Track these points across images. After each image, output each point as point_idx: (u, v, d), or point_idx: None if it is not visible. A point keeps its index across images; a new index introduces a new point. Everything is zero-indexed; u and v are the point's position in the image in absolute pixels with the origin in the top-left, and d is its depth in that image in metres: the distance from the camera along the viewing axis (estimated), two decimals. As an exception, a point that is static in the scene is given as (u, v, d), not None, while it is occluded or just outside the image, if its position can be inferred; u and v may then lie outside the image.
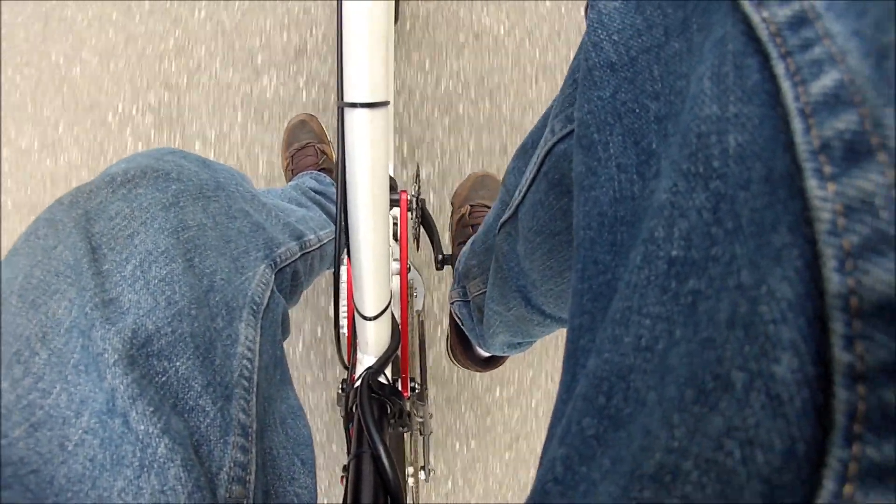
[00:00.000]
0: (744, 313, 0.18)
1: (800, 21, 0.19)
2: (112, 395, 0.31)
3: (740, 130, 0.20)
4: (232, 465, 0.35)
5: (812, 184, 0.17)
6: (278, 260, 0.51)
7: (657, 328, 0.22)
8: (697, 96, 0.22)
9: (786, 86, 0.18)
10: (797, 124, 0.18)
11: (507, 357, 0.91)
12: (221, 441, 0.35)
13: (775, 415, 0.17)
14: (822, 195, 0.16)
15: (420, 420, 0.73)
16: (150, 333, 0.34)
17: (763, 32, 0.20)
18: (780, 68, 0.19)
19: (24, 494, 0.29)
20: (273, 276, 0.48)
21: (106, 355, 0.31)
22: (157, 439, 0.31)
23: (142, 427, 0.31)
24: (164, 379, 0.34)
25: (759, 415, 0.17)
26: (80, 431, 0.30)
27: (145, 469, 0.30)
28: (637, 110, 0.28)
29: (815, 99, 0.17)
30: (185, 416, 0.34)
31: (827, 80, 0.17)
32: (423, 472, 0.78)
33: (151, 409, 0.31)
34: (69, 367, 0.32)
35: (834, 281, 0.16)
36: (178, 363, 0.34)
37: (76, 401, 0.31)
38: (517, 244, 0.56)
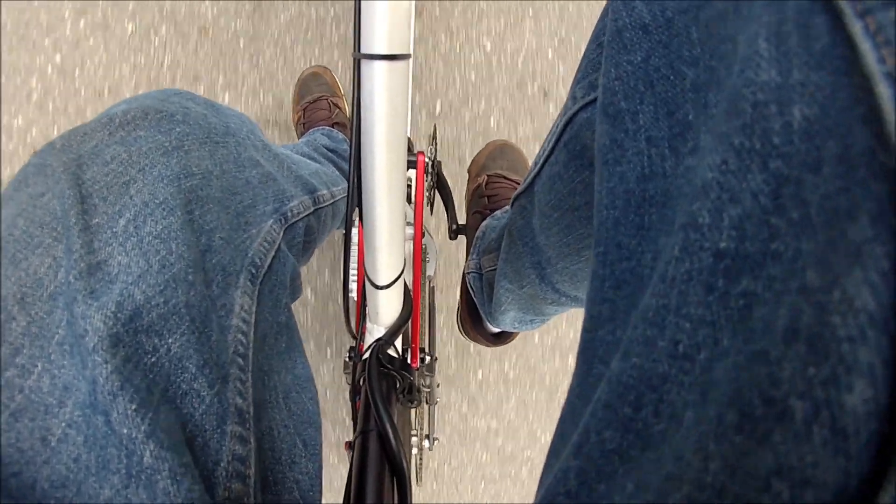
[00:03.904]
0: (808, 324, 0.15)
1: None
2: (93, 388, 0.27)
3: (807, 101, 0.17)
4: (230, 458, 0.31)
5: None
6: (289, 214, 0.47)
7: (699, 334, 0.19)
8: (750, 59, 0.18)
9: (865, 47, 0.15)
10: (884, 89, 0.15)
11: (518, 333, 0.89)
12: (218, 431, 0.31)
13: (837, 452, 0.14)
14: None
15: (427, 390, 0.72)
16: (138, 305, 0.30)
17: None
18: (856, 28, 0.16)
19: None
20: (282, 232, 0.45)
21: (87, 338, 0.28)
22: (143, 445, 0.27)
23: (125, 430, 0.27)
24: (153, 360, 0.30)
25: (818, 452, 0.14)
26: (63, 424, 0.27)
27: (133, 479, 0.26)
28: (672, 77, 0.25)
29: None
30: (178, 402, 0.30)
31: None
32: (427, 441, 0.77)
33: (135, 405, 0.27)
34: (53, 343, 0.28)
35: None
36: (170, 340, 0.31)
37: (59, 386, 0.27)
38: (532, 218, 0.53)
